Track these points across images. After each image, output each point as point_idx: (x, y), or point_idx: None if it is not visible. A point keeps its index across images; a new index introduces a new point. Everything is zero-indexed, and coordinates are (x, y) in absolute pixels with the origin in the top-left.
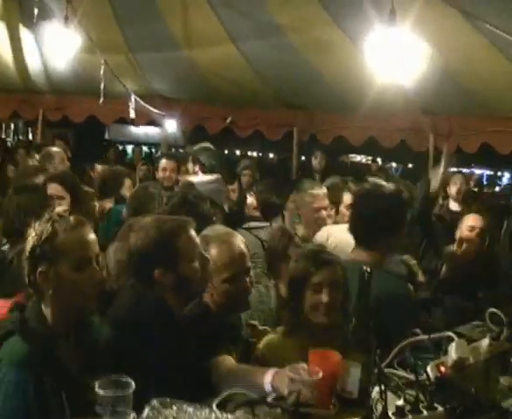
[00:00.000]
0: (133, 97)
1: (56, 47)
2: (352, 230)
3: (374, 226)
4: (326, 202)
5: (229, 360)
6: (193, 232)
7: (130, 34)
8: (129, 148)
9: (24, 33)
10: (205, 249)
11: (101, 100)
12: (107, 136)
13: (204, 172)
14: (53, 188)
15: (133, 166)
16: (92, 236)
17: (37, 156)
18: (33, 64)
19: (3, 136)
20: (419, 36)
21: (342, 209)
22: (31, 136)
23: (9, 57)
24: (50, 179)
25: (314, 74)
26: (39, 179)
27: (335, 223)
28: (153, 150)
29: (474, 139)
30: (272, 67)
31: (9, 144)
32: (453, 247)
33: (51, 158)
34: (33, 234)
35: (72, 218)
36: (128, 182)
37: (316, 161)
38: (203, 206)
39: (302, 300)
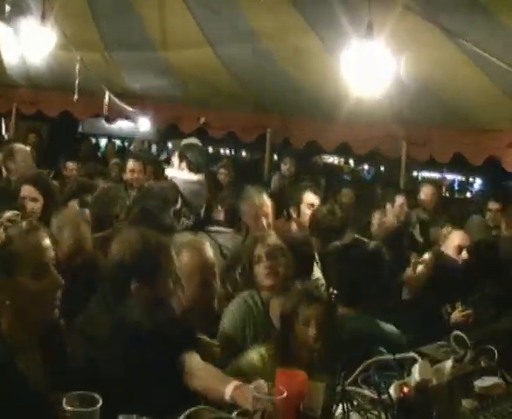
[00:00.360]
0: (107, 94)
1: (32, 43)
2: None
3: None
4: (265, 210)
5: (195, 358)
6: (173, 252)
7: (106, 32)
8: (103, 141)
9: (0, 27)
10: (176, 255)
11: (76, 97)
12: (80, 129)
13: (191, 169)
14: (26, 190)
15: (105, 162)
16: (47, 241)
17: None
18: (9, 58)
19: None
20: (396, 49)
21: (304, 208)
22: (4, 128)
23: None
24: (24, 180)
25: (289, 80)
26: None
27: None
28: (126, 144)
29: (448, 149)
30: (247, 71)
31: None
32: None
33: (14, 156)
34: None
35: (24, 223)
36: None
37: (286, 168)
38: (164, 217)
39: (293, 332)
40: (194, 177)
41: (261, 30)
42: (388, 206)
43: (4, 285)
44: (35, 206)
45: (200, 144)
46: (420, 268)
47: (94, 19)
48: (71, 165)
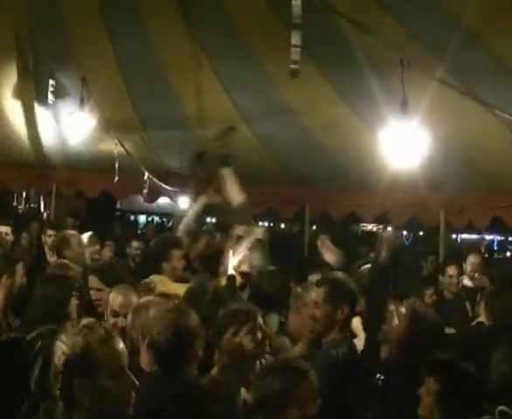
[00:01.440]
0: (146, 174)
1: (71, 126)
2: None
3: None
4: None
5: None
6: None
7: (144, 113)
8: (142, 218)
9: (39, 110)
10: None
11: (116, 179)
12: (118, 206)
13: None
14: (92, 281)
15: (145, 240)
16: (122, 345)
17: (49, 232)
18: (48, 141)
19: (15, 204)
20: (430, 119)
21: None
22: (42, 205)
23: (24, 132)
24: (89, 271)
25: (325, 154)
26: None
27: None
28: (164, 220)
29: (485, 214)
30: (284, 146)
31: (20, 212)
32: None
33: (68, 243)
34: (63, 346)
35: (101, 329)
36: None
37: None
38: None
39: None
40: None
41: (296, 105)
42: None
43: (85, 387)
44: (100, 296)
45: None
46: None
47: (132, 101)
48: (136, 244)
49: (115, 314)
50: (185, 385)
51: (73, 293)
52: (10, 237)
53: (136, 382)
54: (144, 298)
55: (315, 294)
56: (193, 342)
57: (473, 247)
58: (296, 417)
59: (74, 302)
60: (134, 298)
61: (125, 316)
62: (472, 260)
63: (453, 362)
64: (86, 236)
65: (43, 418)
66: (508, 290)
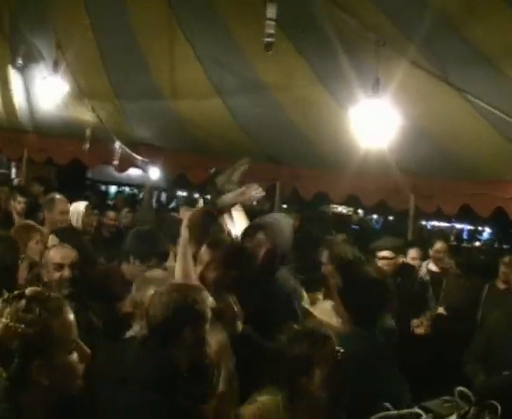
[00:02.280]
0: (117, 143)
1: (44, 91)
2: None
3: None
4: None
5: None
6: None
7: (117, 82)
8: (112, 189)
9: (13, 73)
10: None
11: (87, 147)
12: (89, 175)
13: None
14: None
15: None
16: (71, 314)
17: (19, 198)
18: (20, 105)
19: None
20: (402, 101)
21: None
22: (13, 171)
23: None
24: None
25: (297, 131)
26: None
27: None
28: (135, 191)
29: (454, 201)
30: (256, 122)
31: None
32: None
33: (53, 206)
34: (13, 323)
35: (53, 301)
36: None
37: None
38: None
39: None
40: None
41: (270, 81)
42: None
43: (43, 366)
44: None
45: None
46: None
47: (105, 69)
48: (111, 214)
49: (60, 267)
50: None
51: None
52: None
53: (88, 351)
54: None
55: None
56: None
57: (440, 233)
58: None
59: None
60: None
61: (69, 266)
62: (437, 246)
63: None
64: (82, 205)
65: None
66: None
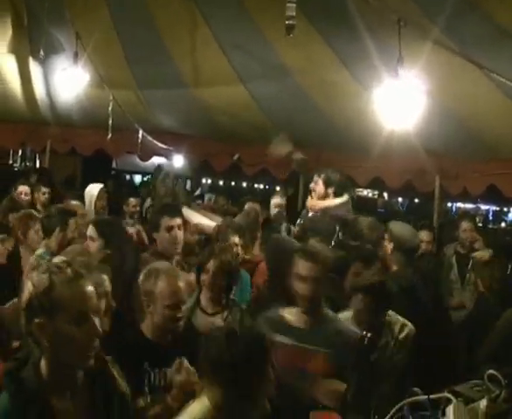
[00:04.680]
0: (141, 132)
1: (65, 81)
2: None
3: None
4: None
5: None
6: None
7: (139, 71)
8: (137, 178)
9: (34, 66)
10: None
11: (109, 136)
12: (114, 165)
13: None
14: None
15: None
16: (90, 288)
17: (43, 189)
18: (42, 96)
19: (11, 162)
20: (426, 81)
21: None
22: (38, 163)
23: (18, 88)
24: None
25: (320, 114)
26: None
27: None
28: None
29: (481, 181)
30: (279, 107)
31: (16, 169)
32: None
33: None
34: (30, 284)
35: (69, 270)
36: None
37: None
38: None
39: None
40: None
41: (292, 65)
42: None
43: (44, 326)
44: (93, 246)
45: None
46: None
47: (127, 58)
48: (133, 201)
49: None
50: None
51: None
52: (29, 197)
53: (100, 331)
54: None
55: None
56: None
57: (466, 213)
58: None
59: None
60: None
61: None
62: (464, 226)
63: None
64: (96, 188)
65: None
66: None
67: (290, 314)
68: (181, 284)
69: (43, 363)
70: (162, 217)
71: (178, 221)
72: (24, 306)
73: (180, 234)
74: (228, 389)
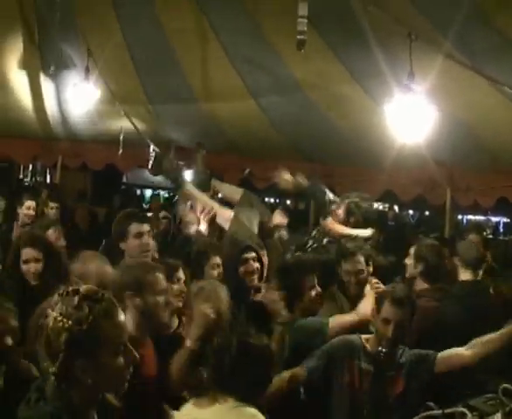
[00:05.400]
0: (151, 147)
1: (75, 97)
2: None
3: None
4: None
5: None
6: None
7: (149, 85)
8: (147, 192)
9: (45, 81)
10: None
11: (120, 152)
12: (125, 179)
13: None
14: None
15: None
16: (123, 316)
17: (51, 204)
18: (53, 112)
19: (21, 177)
20: (437, 95)
21: None
22: (48, 178)
23: (29, 104)
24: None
25: (331, 128)
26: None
27: None
28: (171, 194)
29: (491, 193)
30: (290, 121)
31: (26, 185)
32: None
33: None
34: (59, 318)
35: (105, 301)
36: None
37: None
38: None
39: None
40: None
41: (303, 79)
42: None
43: (88, 366)
44: (37, 266)
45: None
46: None
47: (138, 73)
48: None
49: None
50: None
51: None
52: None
53: (137, 355)
54: None
55: None
56: None
57: (475, 226)
58: None
59: None
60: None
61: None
62: (472, 239)
63: None
64: None
65: (33, 393)
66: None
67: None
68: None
69: (76, 397)
70: (130, 224)
71: (147, 227)
72: (63, 347)
73: (150, 241)
74: None
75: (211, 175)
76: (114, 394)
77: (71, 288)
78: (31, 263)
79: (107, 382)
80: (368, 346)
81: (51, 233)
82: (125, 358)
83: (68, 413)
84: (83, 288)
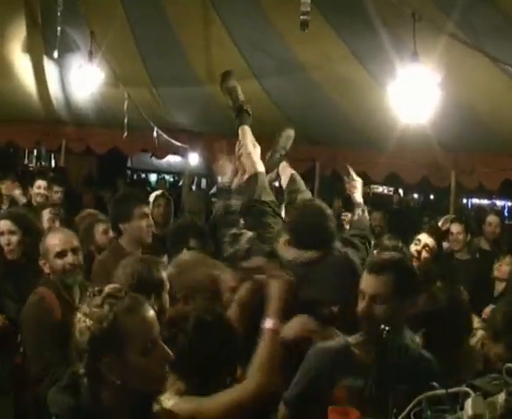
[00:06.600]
0: (155, 130)
1: (79, 80)
2: None
3: None
4: None
5: None
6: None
7: (153, 69)
8: (152, 177)
9: (48, 65)
10: None
11: (125, 135)
12: (129, 164)
13: None
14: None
15: None
16: (152, 313)
17: (56, 188)
18: (56, 95)
19: (26, 162)
20: (441, 76)
21: None
22: (53, 163)
23: (32, 88)
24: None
25: (335, 110)
26: None
27: None
28: (176, 178)
29: (496, 175)
30: (294, 103)
31: (31, 170)
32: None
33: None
34: (85, 319)
35: (129, 298)
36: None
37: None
38: None
39: None
40: None
41: (306, 60)
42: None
43: (114, 364)
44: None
45: None
46: None
47: (141, 56)
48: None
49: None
50: None
51: None
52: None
53: (170, 353)
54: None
55: None
56: None
57: (494, 210)
58: None
59: None
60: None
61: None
62: (490, 220)
63: None
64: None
65: (67, 381)
66: None
67: None
68: None
69: (105, 394)
70: (135, 205)
71: (148, 209)
72: (87, 347)
73: (152, 222)
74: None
75: (283, 158)
76: (147, 394)
77: (96, 288)
78: (5, 235)
79: (138, 382)
80: (357, 351)
81: (45, 213)
82: (157, 356)
83: (101, 415)
84: (108, 287)
